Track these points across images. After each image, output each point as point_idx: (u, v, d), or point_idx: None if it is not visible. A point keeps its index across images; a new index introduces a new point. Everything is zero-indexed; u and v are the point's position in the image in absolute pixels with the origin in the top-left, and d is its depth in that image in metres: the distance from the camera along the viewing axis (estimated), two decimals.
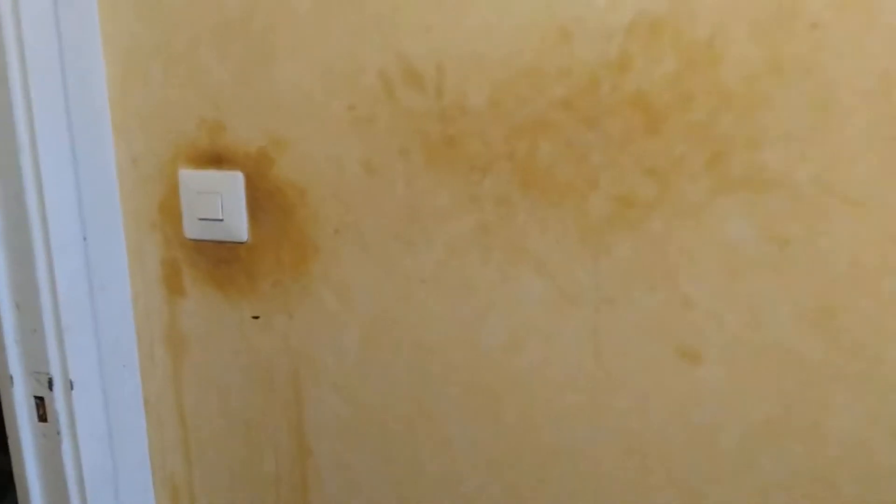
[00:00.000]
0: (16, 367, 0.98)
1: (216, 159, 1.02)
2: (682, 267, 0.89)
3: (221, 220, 1.03)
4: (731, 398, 0.90)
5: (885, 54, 0.78)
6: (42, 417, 1.00)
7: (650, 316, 0.91)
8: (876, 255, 0.83)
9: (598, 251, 0.91)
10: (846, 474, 0.88)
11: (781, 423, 0.89)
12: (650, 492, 0.95)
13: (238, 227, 1.03)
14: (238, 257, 1.04)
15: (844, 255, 0.83)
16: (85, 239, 1.00)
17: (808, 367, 0.87)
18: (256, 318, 1.06)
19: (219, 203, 1.02)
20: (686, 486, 0.94)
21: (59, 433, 1.00)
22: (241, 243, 1.04)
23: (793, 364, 0.87)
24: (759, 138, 0.83)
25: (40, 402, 0.99)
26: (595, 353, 0.94)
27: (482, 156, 0.92)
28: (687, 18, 0.82)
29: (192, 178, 1.03)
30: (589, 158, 0.88)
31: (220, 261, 1.06)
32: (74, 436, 1.01)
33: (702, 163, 0.85)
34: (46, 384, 0.98)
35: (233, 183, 1.01)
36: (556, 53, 0.87)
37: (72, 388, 0.99)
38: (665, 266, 0.89)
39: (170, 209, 1.05)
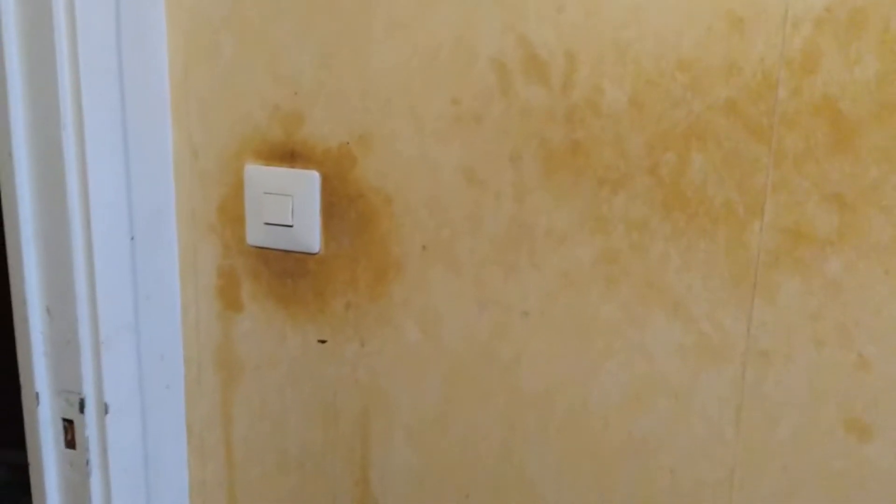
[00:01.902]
0: (43, 383, 0.85)
1: (289, 155, 0.88)
2: (862, 320, 0.72)
3: (291, 226, 0.89)
4: None
5: None
6: (70, 444, 0.86)
7: (813, 378, 0.74)
8: None
9: (756, 294, 0.74)
10: None
11: None
12: None
13: (310, 235, 0.88)
14: (307, 271, 0.90)
15: None
16: (132, 239, 0.87)
17: None
18: (323, 342, 0.91)
19: (289, 207, 0.88)
20: None
21: (87, 463, 0.87)
22: (312, 255, 0.89)
23: None
24: None
25: (69, 425, 0.86)
26: (737, 418, 0.77)
27: (616, 168, 0.76)
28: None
29: (260, 176, 0.89)
30: (754, 178, 0.71)
31: (285, 273, 0.91)
32: (106, 467, 0.87)
33: None
34: (77, 405, 0.85)
35: (307, 184, 0.87)
36: (723, 45, 0.70)
37: (106, 411, 0.85)
38: (840, 318, 0.72)
39: (231, 211, 0.91)
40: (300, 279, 0.91)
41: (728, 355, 0.76)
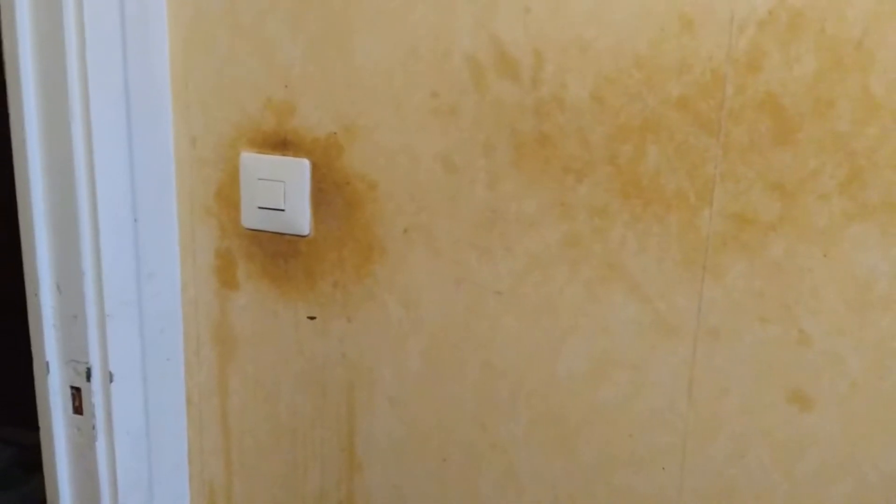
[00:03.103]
0: (53, 354, 0.91)
1: (281, 144, 0.93)
2: (803, 299, 0.77)
3: (283, 210, 0.94)
4: (845, 451, 0.78)
5: None
6: (77, 410, 0.92)
7: (759, 352, 0.80)
8: None
9: (706, 275, 0.80)
10: None
11: None
12: None
13: (300, 219, 0.94)
14: (298, 252, 0.96)
15: None
16: (135, 221, 0.93)
17: None
18: (312, 319, 0.97)
19: (281, 192, 0.94)
20: None
21: (94, 427, 0.93)
22: (303, 237, 0.95)
23: None
24: None
25: (76, 392, 0.92)
26: (690, 389, 0.83)
27: (579, 158, 0.81)
28: (835, 13, 0.71)
29: (255, 163, 0.94)
30: (704, 168, 0.77)
31: (277, 254, 0.97)
32: (110, 431, 0.93)
33: (837, 181, 0.74)
34: (84, 374, 0.91)
35: (298, 171, 0.93)
36: (675, 45, 0.76)
37: (111, 380, 0.92)
38: (782, 297, 0.78)
39: (227, 195, 0.97)
40: (291, 260, 0.97)
41: (680, 332, 0.82)
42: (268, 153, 0.94)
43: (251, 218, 0.97)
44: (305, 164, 0.92)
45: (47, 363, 0.91)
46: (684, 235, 0.79)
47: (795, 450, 0.81)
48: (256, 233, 0.97)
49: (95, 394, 0.92)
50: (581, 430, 0.88)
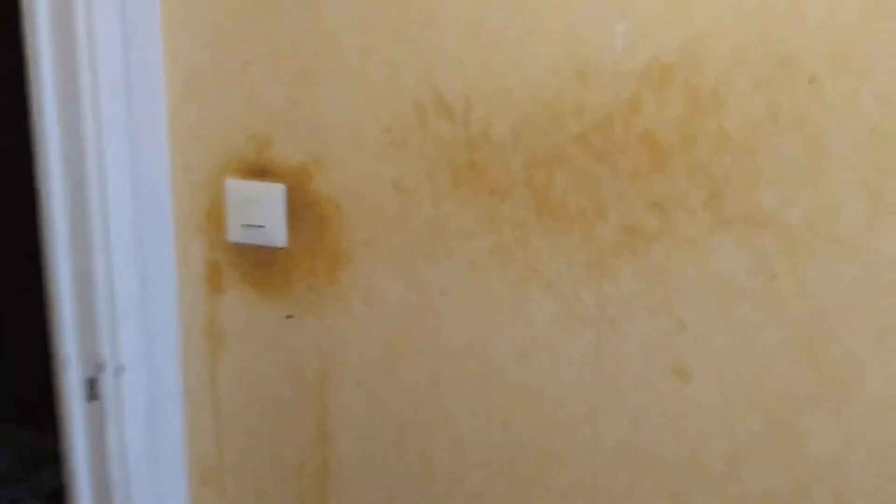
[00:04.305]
0: (71, 350, 1.09)
1: (261, 171, 1.12)
2: (679, 293, 0.97)
3: (263, 226, 1.12)
4: (719, 415, 0.98)
5: (876, 109, 0.86)
6: (93, 397, 1.10)
7: (648, 336, 0.99)
8: (858, 293, 0.90)
9: (604, 275, 0.99)
10: (823, 490, 0.96)
11: (764, 440, 0.97)
12: (640, 497, 1.03)
13: (277, 234, 1.12)
14: (276, 261, 1.14)
15: (828, 291, 0.91)
16: (139, 238, 1.11)
17: (790, 390, 0.95)
18: (290, 317, 1.15)
19: (261, 211, 1.12)
20: (673, 495, 1.02)
21: (105, 413, 1.11)
22: (280, 249, 1.13)
23: (776, 386, 0.95)
24: (755, 180, 0.91)
25: (91, 383, 1.09)
26: (596, 368, 1.02)
27: (503, 182, 1.01)
28: (695, 67, 0.90)
29: (238, 188, 1.13)
30: (599, 190, 0.97)
31: (258, 264, 1.15)
32: (121, 416, 1.11)
33: (701, 199, 0.93)
34: (99, 367, 1.08)
35: (275, 194, 1.11)
36: (574, 93, 0.95)
37: (121, 372, 1.09)
38: (663, 292, 0.97)
39: (216, 214, 1.15)
40: (271, 268, 1.15)
41: (587, 321, 1.01)
42: (249, 179, 1.12)
43: (236, 233, 1.15)
44: (281, 188, 1.11)
45: (67, 357, 1.09)
46: (586, 244, 0.99)
47: (681, 414, 1.00)
48: (240, 246, 1.16)
49: (108, 384, 1.09)
50: (512, 404, 1.07)
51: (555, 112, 0.96)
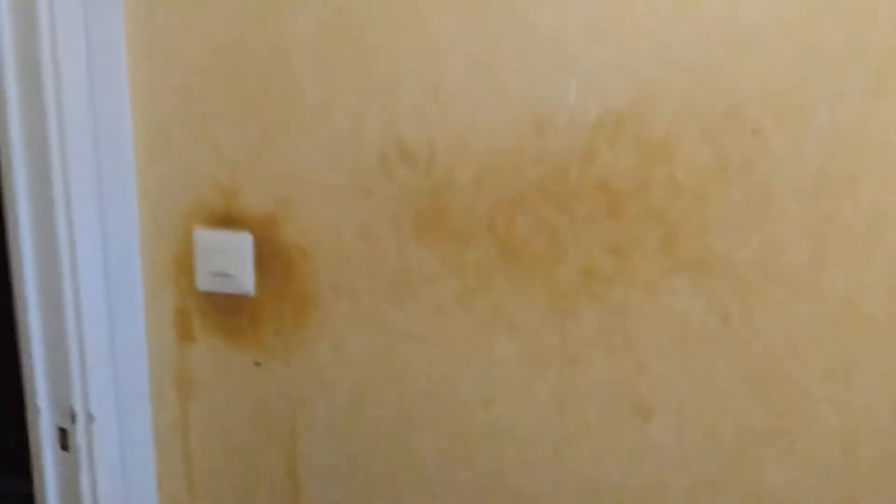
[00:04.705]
0: (43, 399, 1.09)
1: (229, 220, 1.14)
2: (638, 334, 1.00)
3: (231, 275, 1.14)
4: (678, 452, 1.01)
5: (818, 157, 0.91)
6: (64, 447, 1.11)
7: (609, 376, 1.02)
8: (806, 332, 0.94)
9: (566, 317, 1.02)
10: None
11: (723, 476, 1.00)
12: None
13: (245, 281, 1.14)
14: (244, 309, 1.16)
15: (778, 330, 0.95)
16: (108, 288, 1.12)
17: (745, 427, 0.98)
18: (258, 364, 1.17)
19: (229, 260, 1.14)
20: None
21: (78, 461, 1.11)
22: (248, 296, 1.15)
23: (733, 423, 0.98)
24: (706, 225, 0.95)
25: (63, 432, 1.10)
26: (560, 408, 1.05)
27: (466, 228, 1.04)
28: (646, 119, 0.95)
29: (206, 237, 1.14)
30: (559, 235, 1.00)
31: (227, 311, 1.17)
32: (92, 464, 1.11)
33: (656, 244, 0.97)
34: (70, 416, 1.09)
35: (242, 243, 1.13)
36: (532, 143, 0.99)
37: (92, 421, 1.10)
38: (623, 333, 1.01)
39: (184, 264, 1.17)
40: (239, 315, 1.17)
41: (550, 362, 1.04)
42: (217, 228, 1.14)
43: (204, 282, 1.16)
44: (248, 237, 1.13)
45: (39, 408, 1.09)
46: (548, 286, 1.02)
47: (642, 452, 1.03)
48: (209, 294, 1.17)
49: (79, 433, 1.10)
50: (479, 446, 1.10)
51: (515, 161, 1.00)
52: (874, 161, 0.89)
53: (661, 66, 0.92)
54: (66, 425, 1.10)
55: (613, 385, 1.02)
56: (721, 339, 0.97)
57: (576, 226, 0.99)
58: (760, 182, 0.92)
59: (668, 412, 1.01)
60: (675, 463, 1.02)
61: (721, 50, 0.90)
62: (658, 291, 0.98)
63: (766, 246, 0.93)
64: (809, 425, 0.96)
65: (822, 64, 0.88)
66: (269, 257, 1.13)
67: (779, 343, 0.95)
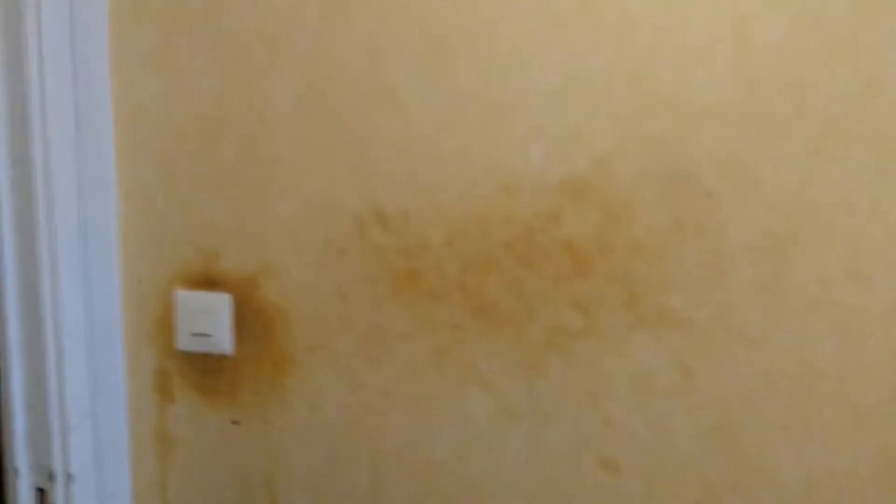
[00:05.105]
0: (22, 460, 1.11)
1: (208, 282, 1.17)
2: (605, 389, 1.04)
3: (210, 335, 1.17)
4: (646, 501, 1.04)
5: (768, 217, 0.96)
6: None
7: (577, 430, 1.06)
8: (765, 385, 0.98)
9: (535, 373, 1.06)
10: None
11: None
12: None
13: (225, 342, 1.17)
14: (223, 368, 1.19)
15: (737, 384, 0.99)
16: (90, 348, 1.15)
17: (709, 479, 1.01)
18: (237, 423, 1.19)
19: (209, 321, 1.17)
20: None
21: None
22: (227, 356, 1.18)
23: (697, 475, 1.02)
24: (667, 283, 0.99)
25: (41, 493, 1.12)
26: (531, 462, 1.08)
27: (439, 287, 1.08)
28: (607, 182, 1.00)
29: (187, 299, 1.18)
30: (527, 293, 1.04)
31: (206, 371, 1.20)
32: None
33: (620, 301, 1.01)
34: (48, 477, 1.11)
35: (222, 304, 1.16)
36: (500, 205, 1.04)
37: (71, 481, 1.12)
38: (590, 387, 1.04)
39: (165, 324, 1.20)
40: (218, 375, 1.20)
41: (520, 416, 1.07)
42: (198, 290, 1.18)
43: (184, 342, 1.19)
44: (228, 298, 1.16)
45: (17, 469, 1.11)
46: (518, 343, 1.06)
47: (608, 502, 1.06)
48: (189, 354, 1.20)
49: (58, 493, 1.11)
50: (453, 497, 1.12)
51: (484, 223, 1.05)
52: (816, 221, 0.94)
53: (618, 135, 0.98)
54: (45, 486, 1.11)
55: (582, 439, 1.05)
56: (683, 392, 1.01)
57: (543, 284, 1.04)
58: (714, 242, 0.97)
59: (635, 466, 1.04)
60: None
61: (673, 121, 0.96)
62: (623, 347, 1.02)
63: (723, 303, 0.98)
64: (772, 477, 1.00)
65: (766, 132, 0.94)
66: (248, 318, 1.16)
67: (738, 396, 0.99)
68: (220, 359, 1.19)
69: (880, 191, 0.92)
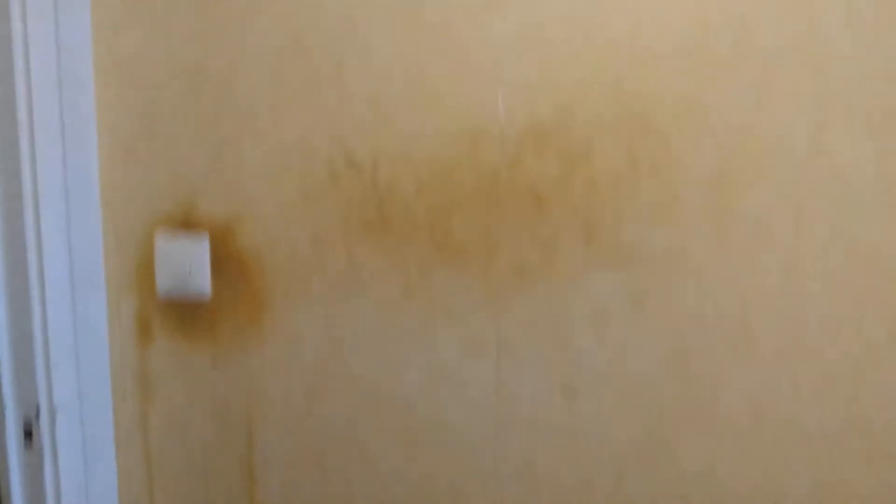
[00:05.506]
0: (9, 395, 1.15)
1: (187, 228, 1.22)
2: (565, 321, 1.11)
3: (189, 280, 1.23)
4: (603, 431, 1.12)
5: (716, 155, 1.04)
6: (28, 438, 1.16)
7: (539, 359, 1.13)
8: (714, 313, 1.06)
9: (500, 307, 1.13)
10: (697, 492, 1.10)
11: (645, 453, 1.11)
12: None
13: (203, 286, 1.23)
14: (202, 311, 1.24)
15: (690, 313, 1.07)
16: (73, 293, 1.19)
17: (663, 401, 1.09)
18: (215, 363, 1.25)
19: (188, 266, 1.22)
20: (571, 501, 1.14)
21: (42, 453, 1.17)
22: (206, 300, 1.23)
23: (651, 398, 1.10)
24: (622, 220, 1.07)
25: (28, 426, 1.16)
26: (497, 391, 1.15)
27: (408, 229, 1.14)
28: (565, 128, 1.07)
29: (166, 245, 1.23)
30: (491, 233, 1.11)
31: (186, 314, 1.25)
32: (56, 457, 1.17)
33: (579, 238, 1.09)
34: (34, 410, 1.15)
35: (200, 249, 1.22)
36: (467, 153, 1.10)
37: (56, 415, 1.16)
38: (550, 320, 1.12)
39: (146, 270, 1.25)
40: (197, 317, 1.25)
41: (486, 347, 1.14)
42: (177, 236, 1.23)
43: (164, 286, 1.24)
44: (206, 243, 1.22)
45: (4, 403, 1.15)
46: (482, 280, 1.13)
47: (571, 431, 1.14)
48: (169, 298, 1.25)
49: (43, 426, 1.16)
50: (424, 429, 1.19)
51: (451, 168, 1.11)
52: (761, 157, 1.02)
53: (578, 81, 1.05)
54: (31, 419, 1.16)
55: (545, 366, 1.13)
56: (637, 322, 1.08)
57: (506, 225, 1.11)
58: (667, 179, 1.05)
59: (593, 389, 1.12)
60: (601, 442, 1.12)
61: (627, 67, 1.04)
62: (581, 281, 1.09)
63: (675, 237, 1.06)
64: (720, 401, 1.08)
65: (714, 74, 1.02)
66: (226, 262, 1.22)
67: (689, 326, 1.07)
68: (199, 303, 1.24)
69: (819, 127, 1.01)
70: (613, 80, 1.04)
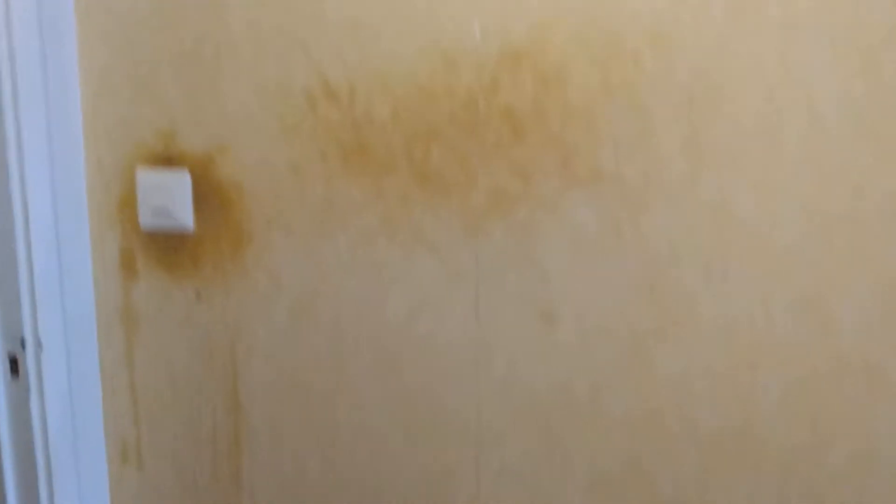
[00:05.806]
0: None
1: (168, 161, 1.23)
2: (541, 247, 1.12)
3: (171, 213, 1.23)
4: (581, 352, 1.13)
5: (691, 83, 1.04)
6: (14, 372, 1.18)
7: (518, 287, 1.14)
8: (689, 236, 1.07)
9: (478, 236, 1.14)
10: (672, 412, 1.12)
11: (621, 372, 1.12)
12: (518, 432, 1.17)
13: (185, 219, 1.23)
14: (185, 244, 1.25)
15: (662, 237, 1.08)
16: (57, 228, 1.20)
17: (638, 326, 1.10)
18: (199, 296, 1.26)
19: (170, 198, 1.23)
20: (547, 427, 1.16)
21: (28, 387, 1.18)
22: (188, 233, 1.24)
23: (627, 323, 1.11)
24: (597, 144, 1.07)
25: (13, 359, 1.18)
26: (477, 319, 1.16)
27: (386, 158, 1.15)
28: (540, 51, 1.07)
29: (148, 177, 1.23)
30: (469, 161, 1.12)
31: (169, 248, 1.26)
32: (41, 390, 1.19)
33: (555, 164, 1.09)
34: (20, 344, 1.17)
35: (182, 182, 1.22)
36: (443, 77, 1.10)
37: (41, 348, 1.18)
38: (529, 247, 1.12)
39: (128, 204, 1.26)
40: (180, 251, 1.26)
41: (467, 276, 1.15)
42: (158, 169, 1.23)
43: (147, 220, 1.25)
44: (187, 176, 1.22)
45: None
46: (462, 208, 1.13)
47: (549, 353, 1.15)
48: (151, 232, 1.26)
49: (29, 360, 1.18)
50: (406, 360, 1.20)
51: (428, 94, 1.11)
52: (732, 79, 1.02)
53: (552, 3, 1.05)
54: (16, 353, 1.17)
55: (522, 294, 1.14)
56: (613, 247, 1.09)
57: (484, 151, 1.11)
58: (641, 102, 1.05)
59: (571, 317, 1.13)
60: (578, 362, 1.14)
61: None
62: (558, 207, 1.10)
63: (650, 160, 1.06)
64: (695, 322, 1.09)
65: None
66: (207, 194, 1.22)
67: (662, 248, 1.08)
68: (181, 235, 1.25)
69: (787, 47, 1.01)
70: (588, 2, 1.04)
